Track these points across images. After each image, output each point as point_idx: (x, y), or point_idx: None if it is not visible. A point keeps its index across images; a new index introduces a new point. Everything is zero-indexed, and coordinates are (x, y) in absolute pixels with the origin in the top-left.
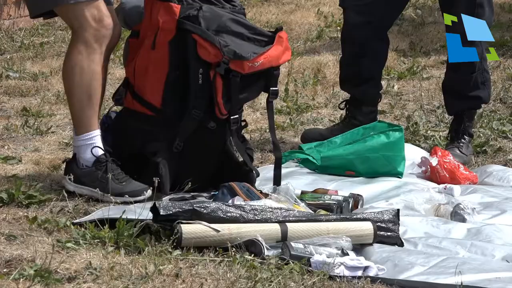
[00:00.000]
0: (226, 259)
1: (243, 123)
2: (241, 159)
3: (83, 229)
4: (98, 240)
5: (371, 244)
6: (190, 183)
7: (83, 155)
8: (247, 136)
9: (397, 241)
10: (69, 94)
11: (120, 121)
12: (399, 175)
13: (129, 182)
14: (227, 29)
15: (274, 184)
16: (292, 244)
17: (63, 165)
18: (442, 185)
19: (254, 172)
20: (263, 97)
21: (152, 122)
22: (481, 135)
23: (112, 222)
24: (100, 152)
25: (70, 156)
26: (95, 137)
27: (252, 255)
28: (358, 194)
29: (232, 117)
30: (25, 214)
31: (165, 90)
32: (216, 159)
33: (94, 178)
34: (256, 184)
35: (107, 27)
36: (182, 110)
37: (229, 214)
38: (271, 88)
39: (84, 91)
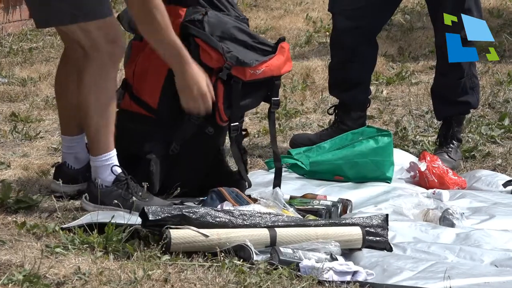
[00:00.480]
0: (215, 264)
1: (243, 132)
2: (235, 169)
3: (72, 234)
4: (87, 245)
5: (360, 249)
6: (179, 188)
7: (101, 176)
8: None
9: (386, 246)
10: (86, 115)
11: (116, 123)
12: (387, 180)
13: (151, 198)
14: (231, 36)
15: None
16: (281, 249)
17: (53, 170)
18: (431, 190)
19: (246, 181)
20: None
21: (147, 121)
22: (470, 140)
23: (101, 227)
24: (119, 170)
25: (60, 161)
26: (113, 157)
27: (241, 260)
28: (346, 199)
29: (232, 124)
30: (14, 219)
31: (163, 91)
32: (209, 164)
33: (115, 197)
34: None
35: (120, 46)
36: (179, 112)
37: (218, 219)
38: (272, 98)
39: (101, 112)
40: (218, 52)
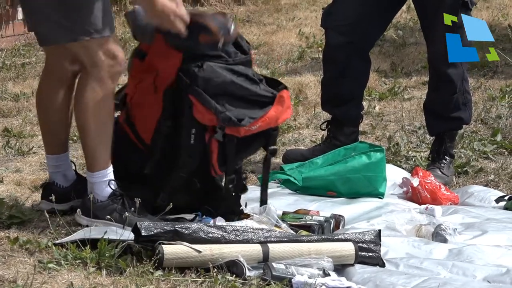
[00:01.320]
0: (207, 279)
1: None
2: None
3: (64, 249)
4: (80, 261)
5: (352, 265)
6: (171, 204)
7: (97, 190)
8: None
9: (379, 262)
10: (84, 132)
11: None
12: (380, 195)
13: (145, 215)
14: (226, 92)
15: None
16: (274, 264)
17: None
18: (424, 206)
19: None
20: None
21: (140, 153)
22: (462, 155)
23: (93, 243)
24: (115, 185)
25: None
26: (110, 173)
27: (234, 275)
28: (339, 215)
29: (228, 177)
30: (7, 234)
31: (156, 132)
32: (203, 189)
33: (110, 211)
34: None
35: (120, 63)
36: (171, 155)
37: (210, 235)
38: (269, 148)
39: (99, 129)
40: (211, 112)
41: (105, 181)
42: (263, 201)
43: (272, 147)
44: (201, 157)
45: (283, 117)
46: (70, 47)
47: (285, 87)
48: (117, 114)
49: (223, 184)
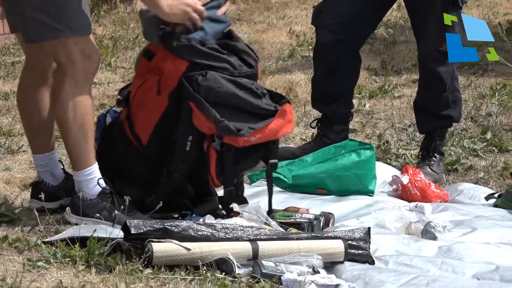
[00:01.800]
0: (197, 277)
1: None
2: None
3: (54, 247)
4: (69, 259)
5: (342, 262)
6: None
7: (85, 189)
8: None
9: (368, 259)
10: (64, 130)
11: (111, 133)
12: (370, 193)
13: (135, 213)
14: (227, 103)
15: None
16: (263, 262)
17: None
18: (413, 203)
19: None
20: None
21: (136, 152)
22: (452, 153)
23: (83, 241)
24: (104, 183)
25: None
26: (95, 171)
27: (223, 273)
28: (329, 213)
29: (227, 189)
30: None
31: (154, 133)
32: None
33: (99, 209)
34: None
35: (95, 62)
36: (165, 159)
37: (200, 233)
38: (270, 161)
39: (79, 127)
40: (210, 120)
41: (92, 179)
42: (270, 211)
43: (273, 160)
44: (194, 165)
45: (284, 131)
46: (45, 46)
47: (288, 101)
48: (119, 109)
49: (222, 194)
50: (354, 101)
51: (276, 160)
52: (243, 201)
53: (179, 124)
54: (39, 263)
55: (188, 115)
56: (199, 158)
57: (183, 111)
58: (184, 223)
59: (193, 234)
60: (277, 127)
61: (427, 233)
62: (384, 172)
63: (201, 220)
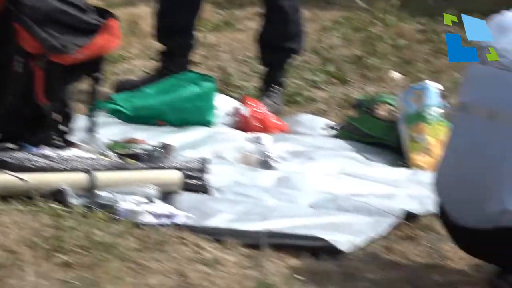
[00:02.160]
0: (32, 208)
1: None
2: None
3: None
4: None
5: (179, 192)
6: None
7: None
8: None
9: (205, 189)
10: None
11: None
12: (209, 124)
13: None
14: (53, 20)
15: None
16: (99, 192)
17: None
18: (253, 135)
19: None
20: None
21: None
22: (294, 85)
23: None
24: None
25: None
26: None
27: (58, 203)
28: (168, 144)
29: (53, 105)
30: None
31: None
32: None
33: None
34: None
35: None
36: None
37: (36, 164)
38: (93, 74)
39: None
40: (36, 39)
41: None
42: (90, 129)
43: (96, 73)
44: (26, 85)
45: (111, 46)
46: None
47: (113, 16)
48: None
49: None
50: (198, 35)
51: (99, 74)
52: (70, 119)
53: (8, 46)
54: None
55: (14, 36)
56: (28, 78)
57: (9, 34)
58: (20, 154)
59: (29, 165)
60: (104, 43)
61: (265, 163)
62: (225, 104)
63: (34, 150)
